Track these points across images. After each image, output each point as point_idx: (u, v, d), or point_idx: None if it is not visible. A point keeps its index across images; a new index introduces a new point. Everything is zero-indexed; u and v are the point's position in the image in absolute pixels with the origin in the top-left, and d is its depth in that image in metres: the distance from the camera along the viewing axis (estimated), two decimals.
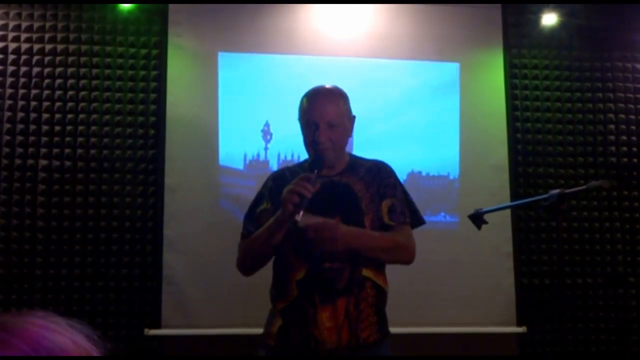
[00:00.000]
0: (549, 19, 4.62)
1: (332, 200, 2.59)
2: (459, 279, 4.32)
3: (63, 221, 4.20)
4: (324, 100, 2.67)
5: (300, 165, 2.86)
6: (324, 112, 2.63)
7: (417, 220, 2.82)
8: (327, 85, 2.78)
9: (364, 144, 4.27)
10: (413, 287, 4.12)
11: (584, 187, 2.93)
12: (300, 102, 2.74)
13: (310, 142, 2.64)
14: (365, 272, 2.63)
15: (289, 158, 4.20)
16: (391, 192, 2.75)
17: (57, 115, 4.25)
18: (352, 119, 2.76)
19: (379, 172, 2.79)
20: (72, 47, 4.32)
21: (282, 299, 2.65)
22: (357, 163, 2.81)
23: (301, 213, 2.42)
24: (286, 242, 2.61)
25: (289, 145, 4.23)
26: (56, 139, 4.24)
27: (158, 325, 4.10)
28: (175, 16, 4.35)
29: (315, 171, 2.53)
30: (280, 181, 2.74)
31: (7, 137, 4.19)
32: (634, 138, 4.71)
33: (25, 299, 4.11)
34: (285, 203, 2.45)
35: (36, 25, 4.29)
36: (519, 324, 4.34)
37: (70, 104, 4.27)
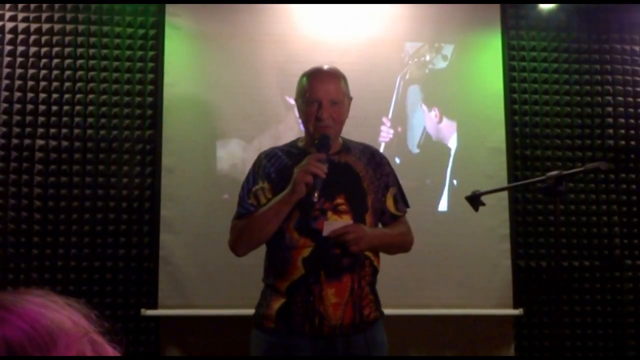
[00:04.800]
0: (547, 3, 4.60)
1: (335, 179, 2.62)
2: (455, 261, 4.33)
3: (60, 201, 4.20)
4: (326, 79, 2.72)
5: (292, 145, 2.88)
6: (327, 90, 2.68)
7: (407, 205, 2.96)
8: (326, 66, 2.82)
9: (358, 124, 4.28)
10: (410, 269, 4.13)
11: (581, 168, 2.94)
12: (300, 82, 2.78)
13: (313, 119, 2.68)
14: (367, 252, 2.71)
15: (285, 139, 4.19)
16: (392, 181, 2.89)
17: (55, 95, 4.24)
18: (350, 99, 2.82)
19: (374, 155, 2.89)
20: (69, 27, 4.30)
21: (284, 278, 2.66)
22: (350, 144, 2.89)
23: (316, 194, 2.46)
24: (287, 221, 2.64)
25: (286, 124, 4.23)
26: (53, 119, 4.22)
27: (155, 306, 4.10)
28: None
29: (324, 153, 2.60)
30: (274, 160, 2.77)
31: (4, 117, 4.18)
32: (631, 121, 4.71)
33: (22, 278, 4.12)
34: (298, 183, 2.51)
35: (33, 5, 4.27)
36: (515, 306, 4.35)
37: (67, 84, 4.26)
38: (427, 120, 4.43)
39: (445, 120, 4.43)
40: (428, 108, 4.43)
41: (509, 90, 4.53)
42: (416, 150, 4.39)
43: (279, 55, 4.32)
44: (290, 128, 4.23)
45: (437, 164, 4.43)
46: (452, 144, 4.43)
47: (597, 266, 4.59)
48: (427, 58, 4.47)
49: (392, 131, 4.36)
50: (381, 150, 3.89)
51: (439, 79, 4.48)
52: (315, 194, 2.48)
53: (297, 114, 4.03)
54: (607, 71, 4.73)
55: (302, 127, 4.13)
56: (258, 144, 4.21)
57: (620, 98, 4.71)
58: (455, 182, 4.40)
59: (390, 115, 4.37)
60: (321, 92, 2.67)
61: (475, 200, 3.09)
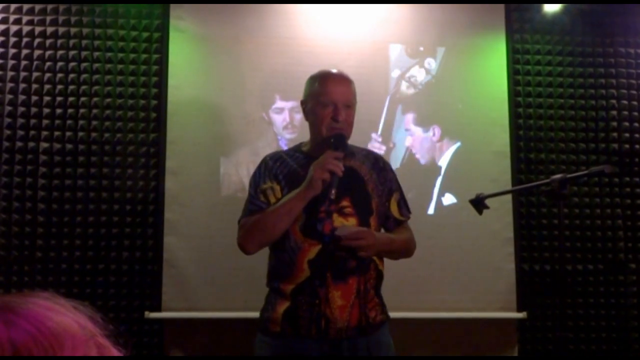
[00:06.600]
0: (552, 4, 4.60)
1: (341, 182, 2.61)
2: (459, 264, 4.33)
3: (64, 204, 4.20)
4: (340, 82, 2.77)
5: (296, 150, 2.90)
6: (343, 92, 2.73)
7: (409, 211, 2.98)
8: (334, 70, 2.86)
9: (364, 128, 4.28)
10: (414, 272, 4.12)
11: (585, 172, 2.94)
12: (310, 85, 2.81)
13: (327, 121, 2.69)
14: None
15: (290, 141, 4.19)
16: (395, 186, 2.91)
17: (59, 98, 4.24)
18: (356, 103, 2.84)
19: (377, 160, 2.92)
20: (73, 30, 4.30)
21: (289, 280, 2.66)
22: (354, 149, 2.90)
23: (334, 191, 2.50)
24: (292, 222, 2.65)
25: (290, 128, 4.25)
26: (57, 121, 4.23)
27: (159, 308, 4.11)
28: None
29: (341, 151, 2.65)
30: (279, 163, 2.80)
31: (9, 120, 4.19)
32: (636, 124, 4.70)
33: (26, 281, 4.12)
34: (314, 180, 2.54)
35: (38, 7, 4.28)
36: (519, 310, 4.34)
37: (71, 87, 4.26)
38: (417, 139, 4.41)
39: (445, 139, 4.42)
40: (425, 125, 4.42)
41: (513, 93, 4.53)
42: (397, 166, 4.36)
43: (283, 58, 4.32)
44: (291, 132, 4.24)
45: (422, 179, 4.41)
46: (443, 162, 4.42)
47: (601, 270, 4.58)
48: (423, 70, 4.47)
49: (384, 147, 4.36)
50: None
51: (437, 89, 4.48)
52: (333, 191, 2.52)
53: (275, 128, 4.09)
54: (611, 75, 4.72)
55: (281, 141, 4.20)
56: (262, 146, 4.21)
57: (625, 101, 4.71)
58: (442, 198, 4.40)
59: (379, 131, 4.37)
60: (337, 94, 2.70)
61: (479, 204, 3.08)
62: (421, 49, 4.47)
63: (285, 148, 3.97)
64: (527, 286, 4.47)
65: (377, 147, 4.29)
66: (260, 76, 4.32)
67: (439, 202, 4.38)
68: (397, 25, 4.47)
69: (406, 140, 4.39)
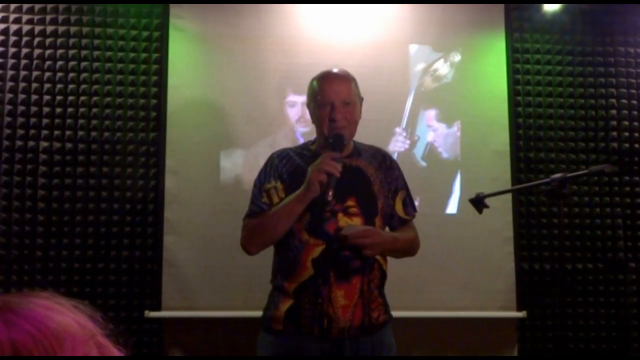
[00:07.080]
0: (552, 3, 4.59)
1: (347, 182, 2.63)
2: (459, 263, 4.32)
3: (64, 203, 4.20)
4: (336, 81, 2.75)
5: (304, 147, 2.90)
6: (339, 91, 2.71)
7: (415, 210, 2.98)
8: (335, 69, 2.85)
9: (365, 128, 4.28)
10: (413, 271, 4.12)
11: (585, 171, 2.94)
12: (310, 86, 2.81)
13: (326, 121, 2.69)
14: (377, 255, 2.72)
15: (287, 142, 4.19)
16: (401, 185, 2.91)
17: (59, 97, 4.24)
18: (361, 100, 2.85)
19: (384, 159, 2.92)
20: (73, 29, 4.30)
21: (293, 279, 2.66)
22: (361, 147, 2.91)
23: (331, 193, 2.48)
24: (297, 221, 2.65)
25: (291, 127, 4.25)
26: (57, 120, 4.23)
27: (158, 308, 4.11)
28: None
29: (338, 152, 2.63)
30: (286, 161, 2.80)
31: (9, 119, 4.19)
32: (635, 123, 4.70)
33: (26, 280, 4.12)
34: (312, 182, 2.53)
35: (37, 7, 4.27)
36: (518, 309, 4.35)
37: (71, 86, 4.26)
38: (440, 134, 4.43)
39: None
40: (448, 121, 4.43)
41: (513, 92, 4.52)
42: (423, 164, 4.37)
43: (283, 58, 4.32)
44: (295, 131, 4.25)
45: (442, 174, 4.42)
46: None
47: (600, 269, 4.58)
48: (439, 69, 4.47)
49: (408, 141, 4.36)
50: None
51: (452, 88, 4.49)
52: (330, 193, 2.50)
53: (281, 125, 4.09)
54: (611, 74, 4.72)
55: (298, 134, 4.21)
56: (262, 146, 4.21)
57: (624, 100, 4.70)
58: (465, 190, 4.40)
59: (404, 125, 4.38)
60: (333, 93, 2.69)
61: (479, 203, 3.09)
62: (419, 48, 4.47)
63: (300, 141, 3.97)
64: (527, 285, 4.47)
65: (401, 140, 4.31)
66: (261, 75, 4.32)
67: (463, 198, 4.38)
68: (398, 25, 4.46)
69: (428, 135, 4.40)
